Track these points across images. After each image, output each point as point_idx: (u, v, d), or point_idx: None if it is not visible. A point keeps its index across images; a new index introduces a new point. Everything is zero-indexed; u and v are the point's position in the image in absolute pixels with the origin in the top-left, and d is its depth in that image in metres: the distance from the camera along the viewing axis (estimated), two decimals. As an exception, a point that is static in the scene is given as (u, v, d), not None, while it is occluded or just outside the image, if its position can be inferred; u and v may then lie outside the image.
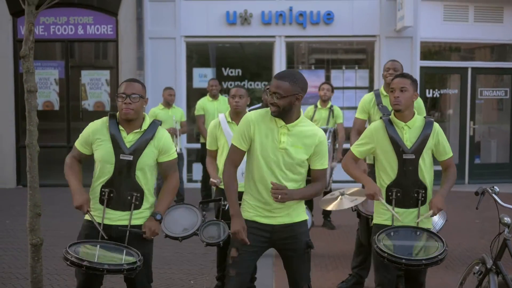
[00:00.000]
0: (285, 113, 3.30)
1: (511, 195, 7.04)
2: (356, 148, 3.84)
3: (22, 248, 6.17)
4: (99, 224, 3.41)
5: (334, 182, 6.63)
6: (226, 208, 4.38)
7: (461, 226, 7.44)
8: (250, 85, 11.10)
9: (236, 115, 4.66)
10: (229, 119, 4.67)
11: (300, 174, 3.40)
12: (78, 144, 3.56)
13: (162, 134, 3.54)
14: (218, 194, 4.67)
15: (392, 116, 3.74)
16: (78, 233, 3.55)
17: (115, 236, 3.43)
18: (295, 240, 3.40)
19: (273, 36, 10.83)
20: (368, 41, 11.10)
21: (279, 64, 10.85)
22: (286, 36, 10.85)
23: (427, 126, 3.69)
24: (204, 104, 8.80)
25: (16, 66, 10.69)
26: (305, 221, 3.49)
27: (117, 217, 3.45)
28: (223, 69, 11.09)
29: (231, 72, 11.06)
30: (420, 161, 3.65)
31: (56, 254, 5.98)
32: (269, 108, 3.37)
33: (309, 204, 7.34)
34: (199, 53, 11.48)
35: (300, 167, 3.38)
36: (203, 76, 10.95)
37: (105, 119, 3.53)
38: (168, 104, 8.55)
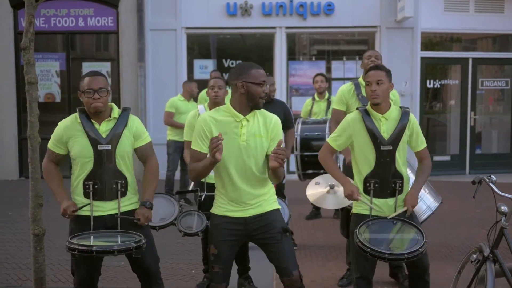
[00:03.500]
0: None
1: None
2: (333, 140, 3.81)
3: (25, 239, 6.22)
4: (87, 204, 3.44)
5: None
6: (202, 198, 4.43)
7: (462, 216, 7.48)
8: (251, 76, 11.08)
9: (215, 106, 4.62)
10: (208, 110, 4.68)
11: (264, 165, 3.40)
12: (51, 145, 3.56)
13: (134, 120, 3.60)
14: (195, 185, 4.74)
15: (368, 107, 3.75)
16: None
17: (109, 226, 3.49)
18: (270, 227, 3.41)
19: (274, 27, 10.83)
20: (368, 32, 11.09)
21: (280, 55, 10.86)
22: (287, 27, 10.85)
23: (404, 117, 3.71)
24: (206, 95, 8.81)
25: (17, 58, 10.71)
26: (278, 209, 3.51)
27: (108, 207, 3.50)
28: (224, 60, 11.10)
29: (232, 64, 11.06)
30: (397, 152, 3.67)
31: (58, 245, 6.02)
32: (221, 106, 3.47)
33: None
34: (200, 45, 11.49)
35: (262, 155, 3.38)
36: (204, 67, 10.96)
37: (74, 115, 3.55)
38: (190, 96, 8.50)
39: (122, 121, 3.53)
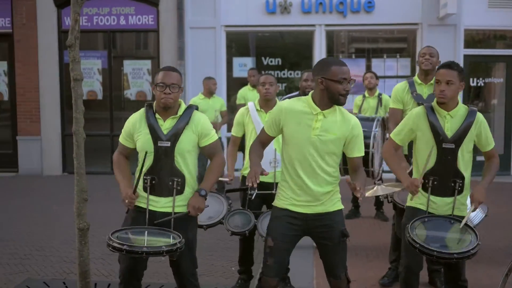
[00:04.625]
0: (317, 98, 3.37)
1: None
2: (396, 135, 3.81)
3: (68, 233, 6.35)
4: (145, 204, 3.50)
5: (385, 172, 6.51)
6: (253, 197, 4.40)
7: (506, 217, 7.29)
8: (290, 74, 11.08)
9: (265, 103, 4.65)
10: (258, 107, 4.66)
11: (334, 165, 3.40)
12: (121, 139, 3.65)
13: (199, 118, 3.57)
14: (244, 183, 4.64)
15: (434, 103, 3.69)
16: (122, 219, 3.65)
17: (159, 222, 3.49)
18: (330, 229, 3.40)
19: (313, 25, 10.77)
20: (410, 29, 10.92)
21: (319, 53, 10.78)
22: (326, 25, 10.77)
23: (470, 116, 3.63)
24: (245, 93, 8.86)
25: (61, 57, 10.96)
26: (340, 210, 3.48)
27: (161, 204, 3.51)
28: (262, 58, 11.10)
29: (271, 62, 11.06)
30: (460, 151, 3.60)
31: (101, 240, 6.12)
32: (304, 96, 3.46)
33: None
34: (239, 43, 11.51)
35: (334, 155, 3.38)
36: (243, 65, 10.98)
37: (142, 110, 3.59)
38: (209, 93, 8.62)
39: (184, 119, 3.52)
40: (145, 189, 3.52)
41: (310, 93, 3.43)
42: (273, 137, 3.52)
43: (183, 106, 3.57)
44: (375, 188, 4.68)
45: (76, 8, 4.09)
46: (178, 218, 3.48)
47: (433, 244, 3.33)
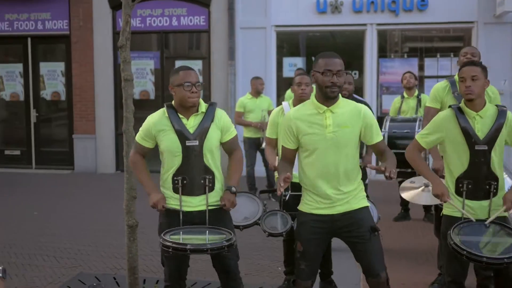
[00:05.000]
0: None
1: None
2: (423, 137, 3.70)
3: (119, 230, 6.49)
4: (180, 210, 3.51)
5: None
6: (287, 198, 4.37)
7: None
8: (341, 74, 10.97)
9: (300, 103, 4.58)
10: (292, 107, 4.61)
11: (355, 161, 3.37)
12: (139, 138, 3.64)
13: (221, 114, 3.62)
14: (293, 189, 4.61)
15: (462, 105, 3.60)
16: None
17: (197, 221, 3.52)
18: (357, 226, 3.35)
19: (365, 24, 10.63)
20: (464, 28, 10.62)
21: (371, 53, 10.64)
22: (378, 24, 10.61)
23: (501, 116, 3.52)
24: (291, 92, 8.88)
25: (115, 57, 11.22)
26: (366, 207, 3.43)
27: (196, 203, 3.53)
28: (313, 58, 11.00)
29: (321, 61, 10.97)
30: (493, 152, 3.50)
31: (151, 237, 6.26)
32: (306, 100, 3.46)
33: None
34: (289, 43, 11.50)
35: (353, 148, 3.35)
36: (293, 65, 10.95)
37: (162, 110, 3.61)
38: (256, 93, 8.66)
39: (209, 116, 3.56)
40: (175, 190, 3.53)
41: (312, 94, 3.42)
42: (295, 150, 3.45)
43: (203, 103, 3.60)
44: (420, 191, 4.54)
45: (127, 10, 4.20)
46: (215, 214, 3.53)
47: (476, 250, 3.24)
